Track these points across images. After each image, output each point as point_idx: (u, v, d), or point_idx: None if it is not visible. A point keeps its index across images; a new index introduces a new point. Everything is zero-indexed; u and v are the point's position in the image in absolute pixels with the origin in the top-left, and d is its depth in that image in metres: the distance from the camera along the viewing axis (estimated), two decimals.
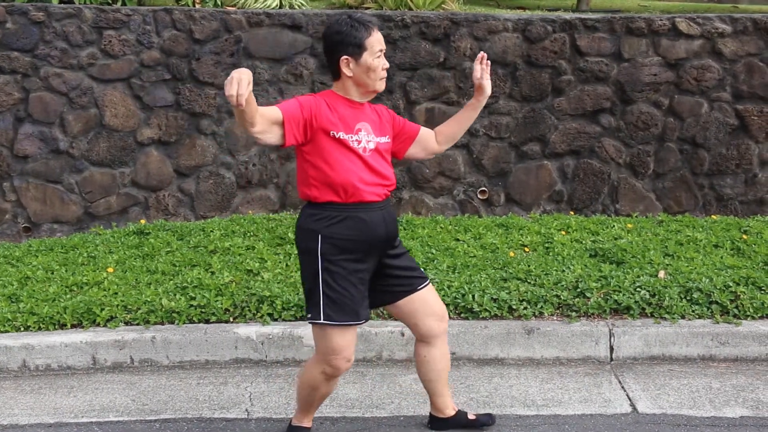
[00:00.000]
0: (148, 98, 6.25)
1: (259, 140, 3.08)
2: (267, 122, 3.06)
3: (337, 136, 3.20)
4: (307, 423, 3.60)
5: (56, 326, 4.68)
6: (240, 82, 2.75)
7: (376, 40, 3.21)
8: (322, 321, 3.23)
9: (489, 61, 3.50)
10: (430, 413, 3.76)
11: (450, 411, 3.69)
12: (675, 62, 6.32)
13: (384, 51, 3.26)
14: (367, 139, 3.27)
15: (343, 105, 3.27)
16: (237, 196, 6.44)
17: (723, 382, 4.29)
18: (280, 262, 5.29)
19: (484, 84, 3.48)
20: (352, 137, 3.23)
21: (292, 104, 3.17)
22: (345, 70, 3.22)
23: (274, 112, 3.10)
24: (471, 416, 3.73)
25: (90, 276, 5.13)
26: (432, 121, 5.95)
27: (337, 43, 3.20)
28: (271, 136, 3.10)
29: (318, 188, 3.23)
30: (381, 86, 3.29)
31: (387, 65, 3.28)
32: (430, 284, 3.52)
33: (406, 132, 3.54)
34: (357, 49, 3.19)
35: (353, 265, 3.25)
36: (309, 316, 3.29)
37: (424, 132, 3.60)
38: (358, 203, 3.24)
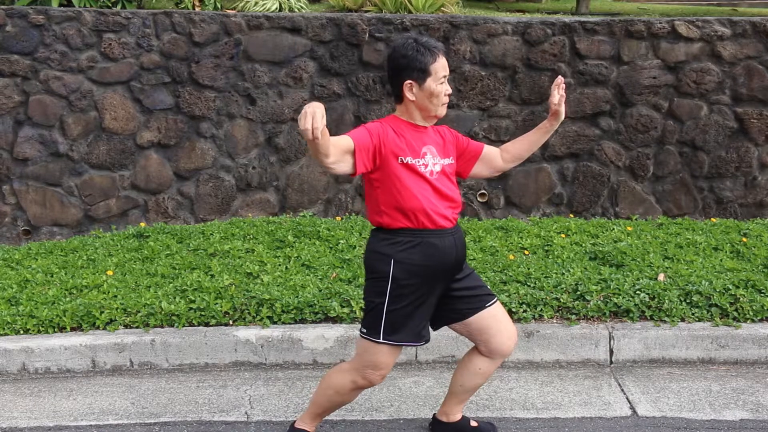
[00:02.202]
0: (148, 101, 6.25)
1: (332, 170, 3.07)
2: (340, 152, 3.05)
3: (405, 161, 3.19)
4: (311, 428, 3.59)
5: (56, 329, 4.68)
6: (314, 116, 2.76)
7: (441, 66, 3.19)
8: (380, 340, 3.24)
9: (564, 85, 3.47)
10: (433, 416, 3.75)
11: (457, 417, 3.69)
12: (674, 65, 6.32)
13: (447, 77, 3.24)
14: (433, 162, 3.26)
15: (409, 129, 3.26)
16: (236, 199, 6.44)
17: (723, 385, 4.29)
18: (279, 265, 5.29)
19: (560, 110, 3.43)
20: (419, 161, 3.22)
21: (362, 132, 3.16)
22: (408, 94, 3.21)
23: (345, 141, 3.10)
24: (473, 423, 3.72)
25: (89, 279, 5.13)
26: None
27: (402, 67, 3.18)
28: (344, 165, 3.09)
29: (390, 215, 3.22)
30: (442, 112, 3.27)
31: (449, 91, 3.26)
32: (499, 302, 3.48)
33: (470, 151, 3.51)
34: (421, 74, 3.17)
35: (422, 289, 3.25)
36: (365, 331, 3.28)
37: (489, 150, 3.56)
38: (431, 229, 3.24)
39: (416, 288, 3.23)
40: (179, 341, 4.54)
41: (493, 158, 3.57)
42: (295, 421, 3.63)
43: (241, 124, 6.33)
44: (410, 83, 3.19)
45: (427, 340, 3.34)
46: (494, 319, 3.42)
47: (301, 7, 6.89)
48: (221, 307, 4.73)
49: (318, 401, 3.50)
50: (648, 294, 4.78)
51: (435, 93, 3.20)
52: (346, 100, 6.32)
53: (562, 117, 3.47)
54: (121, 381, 4.43)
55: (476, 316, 3.40)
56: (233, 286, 4.95)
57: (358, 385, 3.35)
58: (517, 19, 6.37)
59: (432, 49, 3.18)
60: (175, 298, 4.84)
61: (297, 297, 4.77)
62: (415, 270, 3.21)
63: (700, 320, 4.67)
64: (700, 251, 5.48)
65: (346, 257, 5.38)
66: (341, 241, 5.66)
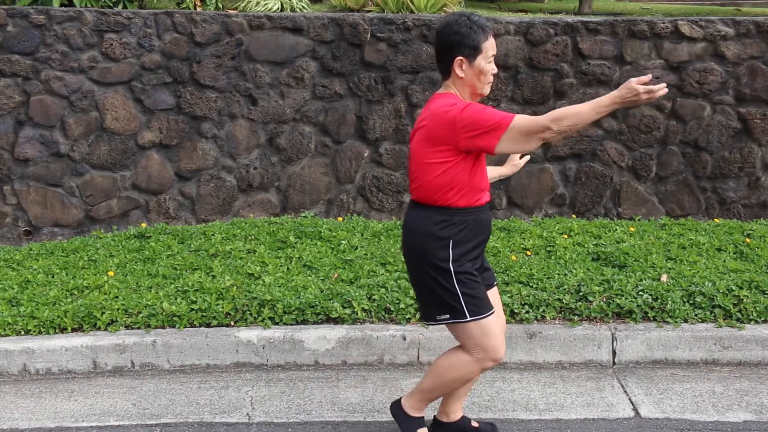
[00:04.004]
0: (149, 101, 6.24)
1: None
2: None
3: None
4: (423, 412, 3.60)
5: (57, 330, 4.67)
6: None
7: (490, 45, 3.22)
8: (469, 318, 3.25)
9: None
10: (434, 417, 3.73)
11: (457, 415, 3.68)
12: (677, 65, 6.30)
13: (495, 55, 3.27)
14: None
15: None
16: (238, 200, 6.43)
17: (726, 386, 4.27)
18: (281, 266, 5.28)
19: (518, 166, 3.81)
20: None
21: (496, 110, 3.19)
22: (458, 71, 3.22)
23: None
24: (474, 423, 3.70)
25: (91, 280, 5.12)
26: None
27: (455, 44, 3.20)
28: None
29: (459, 194, 3.24)
30: (487, 90, 3.30)
31: (495, 70, 3.29)
32: (497, 288, 3.58)
33: None
34: (473, 51, 3.19)
35: (472, 264, 3.32)
36: (447, 316, 3.29)
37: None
38: (482, 205, 3.33)
39: (469, 263, 3.29)
40: (180, 342, 4.53)
41: None
42: (401, 401, 3.60)
43: (243, 125, 6.32)
44: (461, 60, 3.20)
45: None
46: (494, 306, 3.45)
47: (303, 7, 6.88)
48: (222, 307, 4.71)
49: (436, 387, 3.47)
50: (651, 295, 4.76)
51: (484, 71, 3.22)
52: (347, 100, 6.30)
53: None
54: (122, 382, 4.42)
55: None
56: (234, 286, 4.94)
57: (486, 368, 3.37)
58: (519, 19, 6.36)
59: (484, 27, 3.21)
60: (176, 298, 4.83)
61: (298, 298, 4.75)
62: (468, 248, 3.28)
63: (703, 321, 4.65)
64: (703, 252, 5.47)
65: (348, 258, 5.37)
66: (343, 242, 5.64)
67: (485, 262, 3.50)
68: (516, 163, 3.81)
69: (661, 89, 2.96)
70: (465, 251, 3.27)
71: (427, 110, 3.26)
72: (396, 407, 3.60)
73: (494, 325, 3.30)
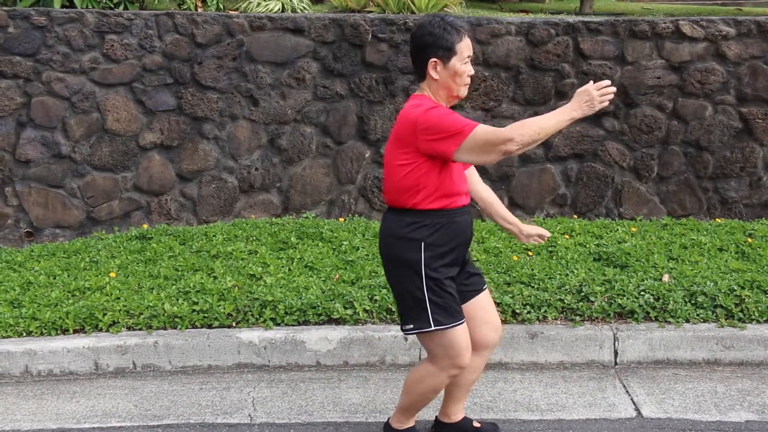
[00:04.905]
0: (150, 102, 6.24)
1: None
2: None
3: None
4: (413, 422, 3.59)
5: (58, 331, 4.67)
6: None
7: (465, 46, 3.18)
8: (432, 328, 3.22)
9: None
10: (435, 418, 3.73)
11: (459, 417, 3.67)
12: (679, 65, 6.30)
13: (471, 57, 3.23)
14: None
15: None
16: (239, 201, 6.43)
17: (728, 386, 4.27)
18: (282, 267, 5.28)
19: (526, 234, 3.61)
20: None
21: (460, 116, 3.14)
22: (432, 73, 3.19)
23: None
24: (476, 424, 3.70)
25: (92, 281, 5.12)
26: None
27: (428, 45, 3.17)
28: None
29: (428, 197, 3.20)
30: (464, 92, 3.26)
31: (472, 72, 3.25)
32: (488, 291, 3.52)
33: None
34: (447, 52, 3.15)
35: (449, 269, 3.27)
36: (411, 326, 3.27)
37: (471, 169, 3.62)
38: (457, 208, 3.26)
39: (445, 269, 3.24)
40: (182, 343, 4.53)
41: (470, 177, 3.60)
42: (389, 421, 3.61)
43: (244, 125, 6.32)
44: (435, 61, 3.17)
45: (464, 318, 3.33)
46: (483, 310, 3.45)
47: (304, 8, 6.88)
48: (224, 308, 4.71)
49: (412, 403, 3.48)
50: (652, 295, 4.76)
51: (459, 72, 3.18)
52: (348, 101, 6.30)
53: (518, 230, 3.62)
54: (124, 383, 4.42)
55: (469, 302, 3.42)
56: (236, 287, 4.94)
57: (453, 375, 3.34)
58: (520, 20, 6.35)
59: (458, 28, 3.18)
60: (177, 299, 4.83)
61: (300, 298, 4.75)
62: (442, 251, 3.22)
63: (705, 321, 4.65)
64: (704, 252, 5.46)
65: (350, 259, 5.36)
66: (344, 243, 5.64)
67: (472, 268, 3.47)
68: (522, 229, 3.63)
69: (609, 88, 2.97)
70: (439, 254, 3.22)
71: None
72: (387, 428, 3.62)
73: (461, 335, 3.25)
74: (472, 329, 3.43)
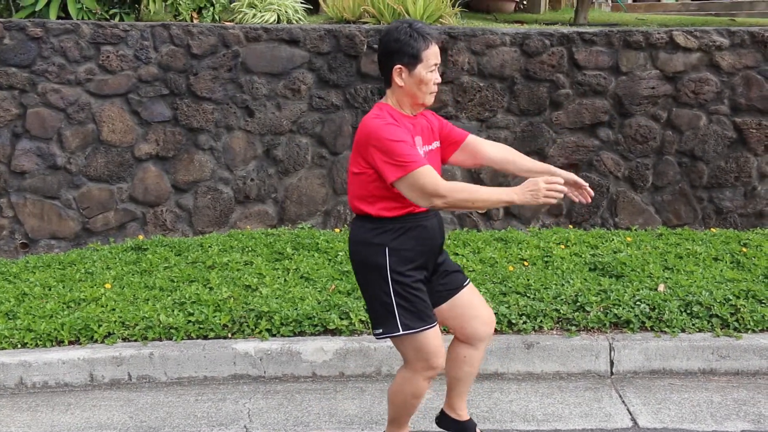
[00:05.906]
0: (146, 113, 6.24)
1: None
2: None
3: None
4: (407, 430, 3.59)
5: (53, 343, 4.66)
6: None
7: (432, 53, 3.17)
8: (401, 332, 3.22)
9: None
10: (441, 409, 3.70)
11: (464, 415, 3.66)
12: (673, 75, 6.32)
13: (438, 65, 3.22)
14: (422, 150, 3.25)
15: (402, 119, 3.22)
16: (235, 212, 6.43)
17: (724, 395, 4.27)
18: (278, 278, 5.27)
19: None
20: None
21: (414, 150, 3.12)
22: (397, 79, 3.18)
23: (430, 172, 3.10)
24: (479, 431, 3.69)
25: (87, 292, 5.11)
26: None
27: (393, 51, 3.16)
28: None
29: (384, 204, 3.20)
30: (430, 100, 3.25)
31: (439, 80, 3.24)
32: (472, 285, 3.52)
33: (450, 138, 3.50)
34: (412, 59, 3.15)
35: (417, 273, 3.26)
36: (381, 331, 3.27)
37: (473, 141, 3.53)
38: (422, 212, 3.25)
39: (412, 272, 3.23)
40: (178, 354, 4.52)
41: (478, 150, 3.52)
42: None
43: (240, 136, 6.33)
44: (400, 68, 3.16)
45: (436, 320, 3.31)
46: (470, 305, 3.44)
47: (299, 19, 6.90)
48: (220, 319, 4.71)
49: (398, 413, 3.47)
50: (648, 305, 4.76)
51: (424, 80, 3.17)
52: (344, 111, 6.31)
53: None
54: (119, 395, 4.41)
55: (453, 300, 3.41)
56: (232, 298, 4.93)
57: (430, 377, 3.33)
58: (515, 31, 6.38)
59: (425, 35, 3.16)
60: (173, 311, 4.82)
61: (296, 309, 4.75)
62: (408, 255, 3.22)
63: (700, 331, 4.65)
64: (700, 261, 5.47)
65: (345, 269, 5.36)
66: (340, 253, 5.64)
67: (450, 266, 3.46)
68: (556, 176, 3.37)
69: (559, 187, 3.01)
70: (404, 258, 3.21)
71: None
72: None
73: (431, 339, 3.25)
74: (461, 326, 3.44)
